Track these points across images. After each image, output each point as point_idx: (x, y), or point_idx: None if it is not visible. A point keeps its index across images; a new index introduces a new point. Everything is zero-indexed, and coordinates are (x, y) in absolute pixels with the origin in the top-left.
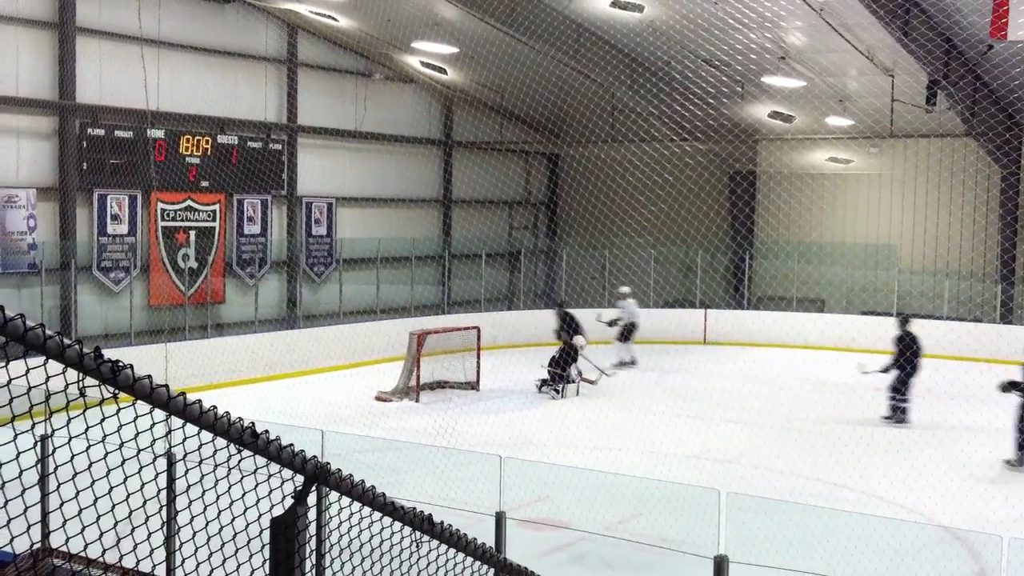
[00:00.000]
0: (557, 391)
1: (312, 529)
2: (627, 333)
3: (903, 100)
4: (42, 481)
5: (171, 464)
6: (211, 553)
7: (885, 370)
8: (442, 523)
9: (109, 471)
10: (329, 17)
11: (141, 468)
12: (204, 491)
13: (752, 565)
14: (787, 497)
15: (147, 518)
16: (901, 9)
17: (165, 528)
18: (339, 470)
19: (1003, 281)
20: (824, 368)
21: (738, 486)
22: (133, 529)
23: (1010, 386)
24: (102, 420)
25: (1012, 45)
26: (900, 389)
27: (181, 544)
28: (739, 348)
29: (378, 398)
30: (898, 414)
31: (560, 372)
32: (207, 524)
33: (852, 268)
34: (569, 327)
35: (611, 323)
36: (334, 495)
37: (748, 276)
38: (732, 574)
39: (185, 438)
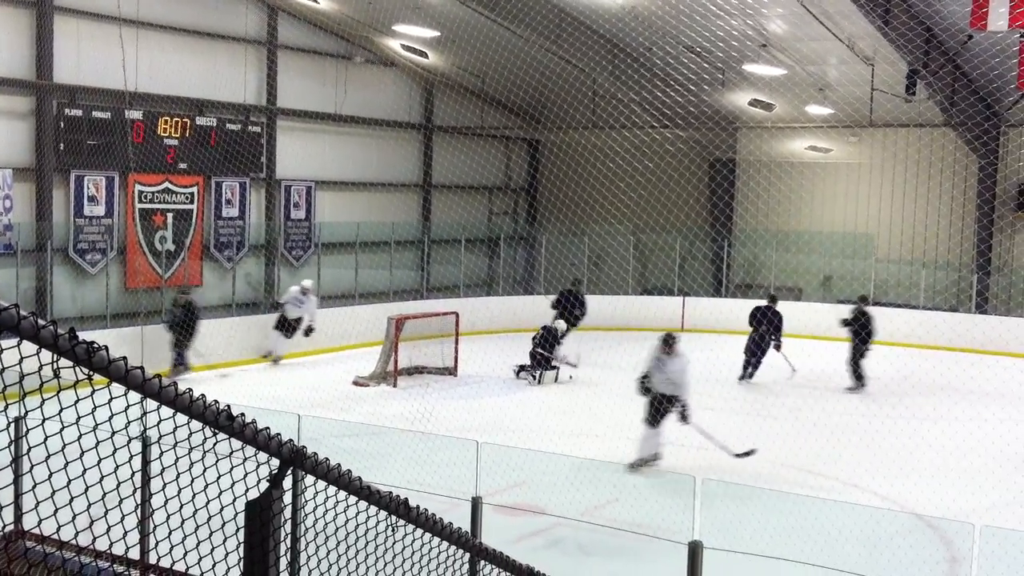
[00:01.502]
0: (534, 377)
1: (287, 513)
2: (308, 331)
3: (883, 89)
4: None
5: (145, 447)
6: (185, 536)
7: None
8: (418, 508)
9: (83, 453)
10: None
11: (115, 450)
12: (179, 474)
13: (726, 551)
14: (762, 484)
15: (121, 500)
16: None
17: (139, 511)
18: (315, 454)
19: (979, 271)
20: (800, 356)
21: (713, 473)
22: (107, 512)
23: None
24: (76, 402)
25: (991, 35)
26: (857, 363)
27: (155, 527)
28: (717, 336)
29: (355, 383)
30: (857, 383)
31: (544, 355)
32: (181, 507)
33: (829, 257)
34: (565, 307)
35: (294, 323)
36: (310, 479)
37: (727, 264)
38: (706, 560)
39: (160, 420)
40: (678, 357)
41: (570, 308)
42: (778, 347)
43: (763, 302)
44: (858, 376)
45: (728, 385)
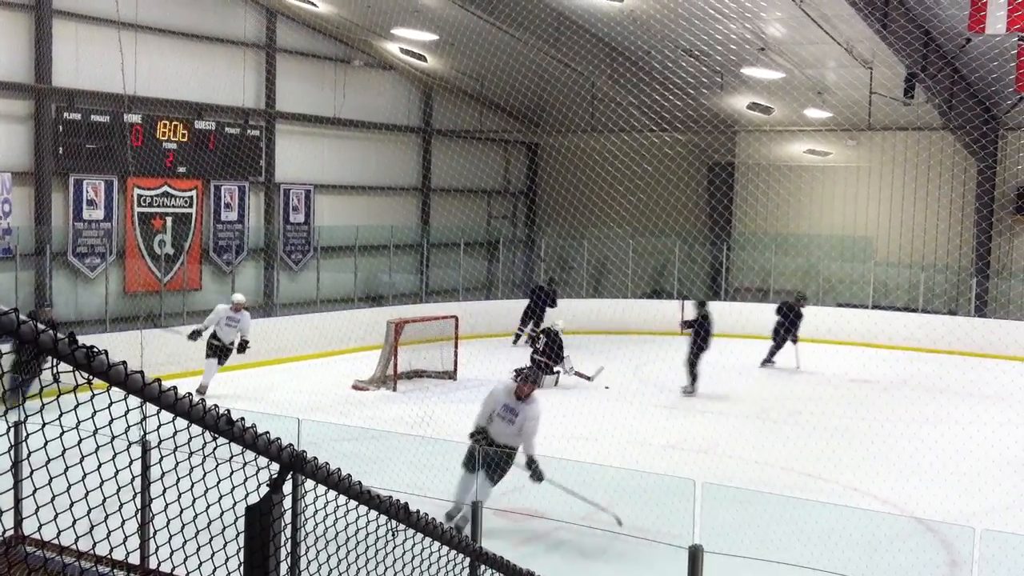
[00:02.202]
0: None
1: (287, 517)
2: (242, 347)
3: (881, 93)
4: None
5: (146, 451)
6: (186, 541)
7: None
8: (418, 512)
9: (83, 458)
10: (308, 2)
11: (115, 455)
12: (179, 478)
13: (727, 555)
14: (762, 488)
15: (121, 505)
16: (880, 1)
17: (139, 516)
18: (315, 458)
19: (978, 274)
20: (800, 359)
21: (713, 476)
22: (107, 516)
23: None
24: (76, 406)
25: (990, 39)
26: (694, 363)
27: (155, 532)
28: (715, 339)
29: (355, 387)
30: (692, 384)
31: (546, 363)
32: (182, 512)
33: (829, 260)
34: (536, 302)
35: (228, 347)
36: (310, 483)
37: (725, 267)
38: (707, 564)
39: (160, 425)
40: (532, 404)
41: (541, 304)
42: (795, 340)
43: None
44: (693, 377)
45: (727, 389)
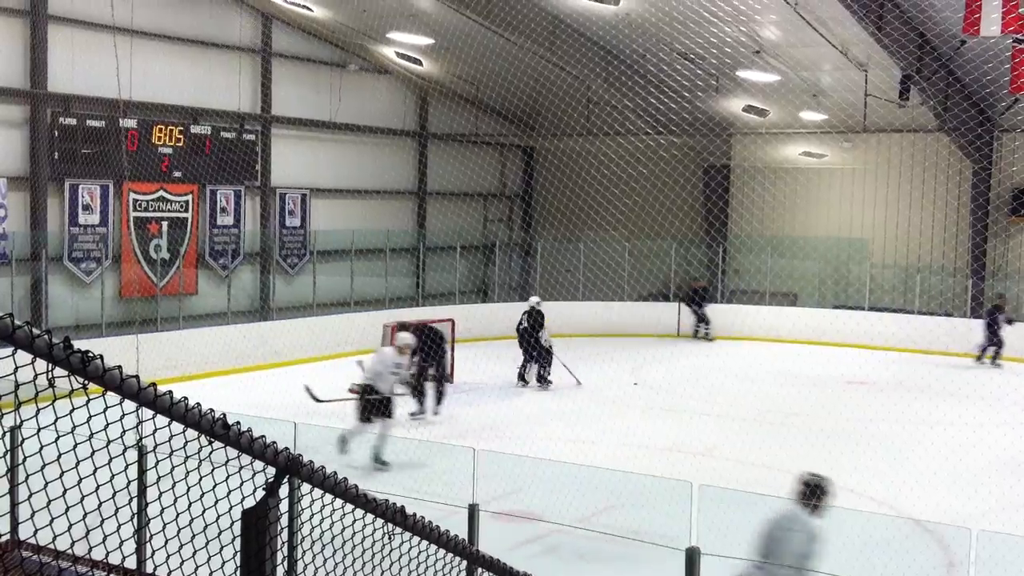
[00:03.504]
0: (525, 381)
1: (284, 521)
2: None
3: (876, 95)
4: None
5: (141, 456)
6: (182, 545)
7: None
8: (415, 515)
9: (78, 462)
10: (304, 7)
11: (111, 459)
12: (175, 483)
13: (724, 557)
14: (759, 490)
15: (117, 510)
16: (875, 4)
17: (135, 520)
18: (311, 462)
19: (974, 276)
20: (796, 361)
21: (710, 478)
22: (103, 521)
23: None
24: (71, 411)
25: (984, 41)
26: (419, 382)
27: (151, 536)
28: (712, 341)
29: (351, 390)
30: (420, 408)
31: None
32: (178, 516)
33: (824, 262)
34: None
35: None
36: (306, 487)
37: (722, 270)
38: (704, 566)
39: (156, 429)
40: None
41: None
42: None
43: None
44: (419, 393)
45: (724, 391)
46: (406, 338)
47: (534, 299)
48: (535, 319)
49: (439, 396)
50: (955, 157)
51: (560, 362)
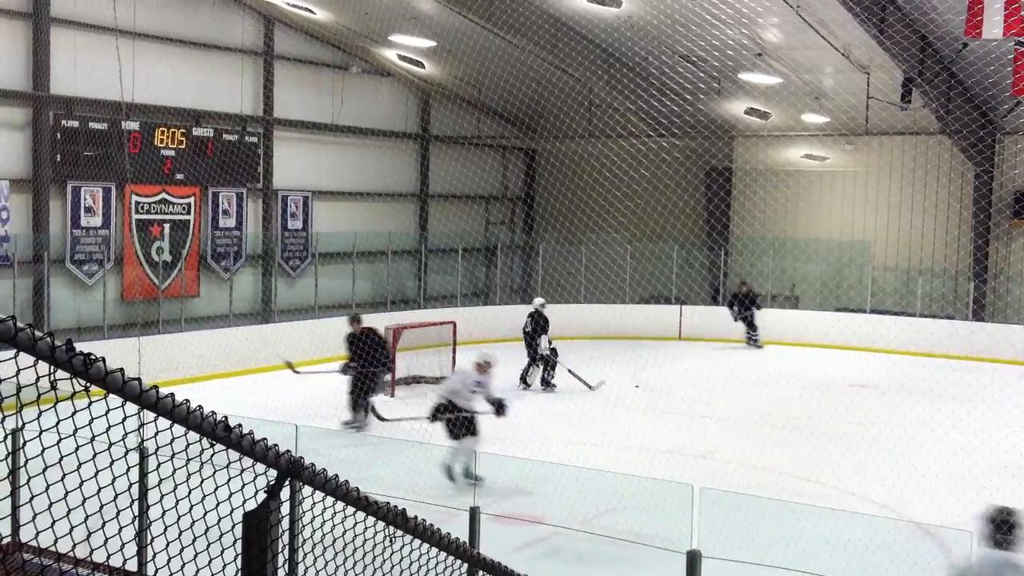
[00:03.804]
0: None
1: (285, 523)
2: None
3: (878, 97)
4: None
5: (143, 458)
6: (183, 547)
7: (343, 371)
8: (416, 518)
9: (80, 465)
10: (306, 9)
11: (113, 462)
12: (176, 485)
13: (725, 560)
14: (760, 493)
15: (119, 512)
16: (877, 6)
17: (137, 523)
18: (313, 464)
19: (976, 278)
20: (797, 364)
21: (711, 481)
22: (105, 524)
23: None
24: (74, 414)
25: (986, 43)
26: (361, 391)
27: (153, 539)
28: (714, 344)
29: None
30: (358, 417)
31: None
32: (179, 518)
33: (826, 265)
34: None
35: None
36: (307, 489)
37: (723, 272)
38: (705, 569)
39: (157, 432)
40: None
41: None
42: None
43: None
44: (358, 406)
45: (725, 394)
46: (486, 355)
47: (539, 301)
48: (538, 322)
49: (368, 407)
50: (957, 160)
51: (567, 369)
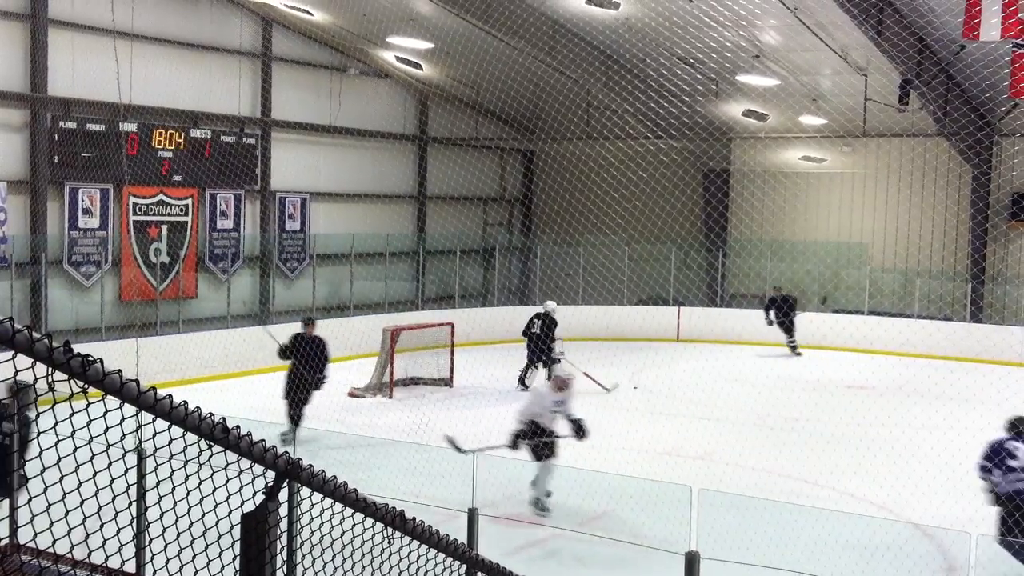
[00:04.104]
0: (525, 385)
1: (283, 525)
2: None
3: (876, 99)
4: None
5: (141, 460)
6: (181, 549)
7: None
8: (414, 519)
9: (78, 467)
10: (304, 11)
11: (111, 463)
12: (174, 487)
13: (723, 561)
14: (758, 494)
15: (116, 514)
16: (875, 8)
17: (135, 524)
18: (311, 466)
19: (973, 280)
20: (795, 366)
21: (710, 483)
22: (102, 525)
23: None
24: (71, 415)
25: (984, 45)
26: (295, 398)
27: (151, 540)
28: (712, 345)
29: (351, 394)
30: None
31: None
32: (177, 520)
33: (824, 266)
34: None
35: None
36: (306, 491)
37: (721, 273)
38: (703, 570)
39: (155, 433)
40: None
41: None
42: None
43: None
44: (293, 416)
45: (724, 395)
46: (564, 374)
47: (551, 304)
48: (549, 325)
49: (300, 418)
50: (955, 161)
51: (582, 372)
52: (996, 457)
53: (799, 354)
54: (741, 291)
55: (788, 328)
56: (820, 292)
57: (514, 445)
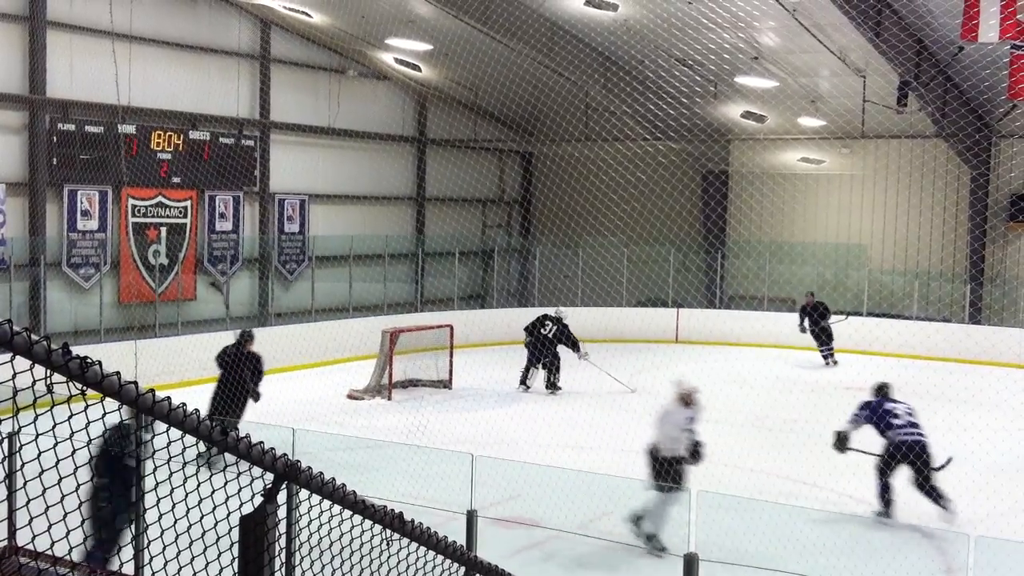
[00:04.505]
0: (527, 387)
1: (282, 527)
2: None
3: (874, 101)
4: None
5: (139, 462)
6: (179, 551)
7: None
8: (413, 521)
9: (77, 468)
10: (303, 13)
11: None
12: (173, 489)
13: (722, 563)
14: (757, 495)
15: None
16: (873, 10)
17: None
18: (309, 468)
19: (972, 281)
20: (794, 367)
21: (708, 484)
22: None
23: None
24: (70, 417)
25: (982, 47)
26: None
27: (149, 543)
28: (711, 347)
29: (350, 396)
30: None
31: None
32: (175, 522)
33: (823, 268)
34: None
35: None
36: (304, 493)
37: (720, 275)
38: (702, 572)
39: (153, 436)
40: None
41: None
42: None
43: None
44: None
45: (722, 397)
46: (688, 386)
47: (564, 311)
48: (561, 330)
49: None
50: (953, 163)
51: (605, 372)
52: (881, 420)
53: (835, 363)
54: (740, 293)
55: (820, 336)
56: (852, 299)
57: (668, 475)
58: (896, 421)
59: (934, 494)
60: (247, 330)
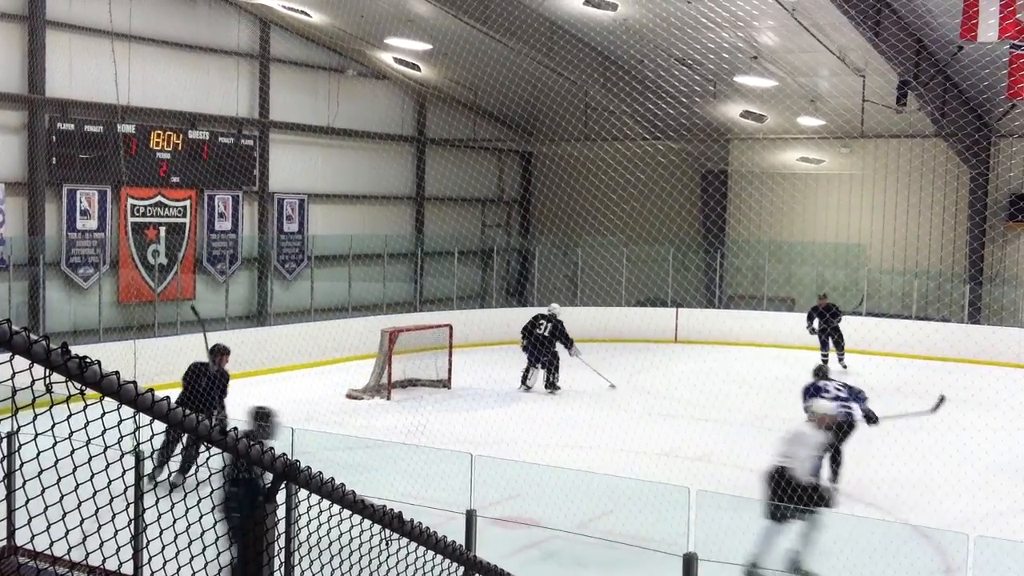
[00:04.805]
0: (528, 387)
1: (281, 527)
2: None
3: (874, 100)
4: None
5: (138, 461)
6: (179, 551)
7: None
8: (412, 521)
9: (75, 468)
10: (302, 12)
11: (108, 465)
12: (172, 488)
13: (721, 563)
14: (756, 495)
15: (114, 515)
16: (872, 10)
17: (132, 526)
18: (308, 468)
19: (971, 281)
20: (793, 366)
21: (708, 484)
22: (100, 527)
23: None
24: (69, 417)
25: (982, 46)
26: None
27: (148, 542)
28: (710, 347)
29: (349, 396)
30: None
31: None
32: (175, 521)
33: (822, 267)
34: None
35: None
36: (303, 493)
37: (719, 275)
38: (701, 571)
39: (153, 435)
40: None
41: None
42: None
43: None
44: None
45: (721, 396)
46: (824, 407)
47: (556, 307)
48: (556, 327)
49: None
50: (952, 162)
51: (590, 367)
52: (816, 394)
53: (844, 366)
54: (739, 292)
55: (831, 339)
56: (858, 293)
57: (776, 484)
58: (826, 396)
59: (835, 465)
60: (221, 344)
